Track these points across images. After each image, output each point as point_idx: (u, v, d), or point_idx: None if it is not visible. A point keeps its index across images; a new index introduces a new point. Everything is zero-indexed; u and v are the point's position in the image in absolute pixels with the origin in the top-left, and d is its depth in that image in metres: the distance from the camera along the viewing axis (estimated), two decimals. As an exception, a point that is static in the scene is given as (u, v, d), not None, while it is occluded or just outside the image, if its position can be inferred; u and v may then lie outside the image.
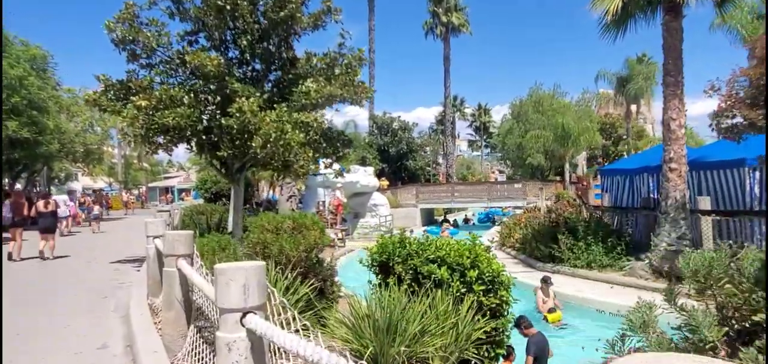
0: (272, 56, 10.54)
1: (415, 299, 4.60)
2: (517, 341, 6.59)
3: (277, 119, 8.86)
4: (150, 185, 60.02)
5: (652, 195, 14.51)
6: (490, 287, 5.02)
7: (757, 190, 11.63)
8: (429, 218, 34.33)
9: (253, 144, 8.83)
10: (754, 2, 19.22)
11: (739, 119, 10.07)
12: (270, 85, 10.88)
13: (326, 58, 10.32)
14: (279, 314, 2.43)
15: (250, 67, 10.73)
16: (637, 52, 36.69)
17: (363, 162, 33.17)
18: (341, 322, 4.59)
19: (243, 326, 2.19)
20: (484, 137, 67.50)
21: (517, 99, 40.35)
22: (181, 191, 53.40)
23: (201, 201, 23.39)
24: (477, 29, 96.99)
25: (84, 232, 21.57)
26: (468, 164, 67.13)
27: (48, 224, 12.57)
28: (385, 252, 5.38)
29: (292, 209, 21.84)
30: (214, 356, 3.12)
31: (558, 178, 35.83)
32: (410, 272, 5.08)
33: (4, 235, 12.40)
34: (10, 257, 11.73)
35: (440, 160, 50.90)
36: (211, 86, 9.59)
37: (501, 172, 60.56)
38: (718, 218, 11.66)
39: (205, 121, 9.99)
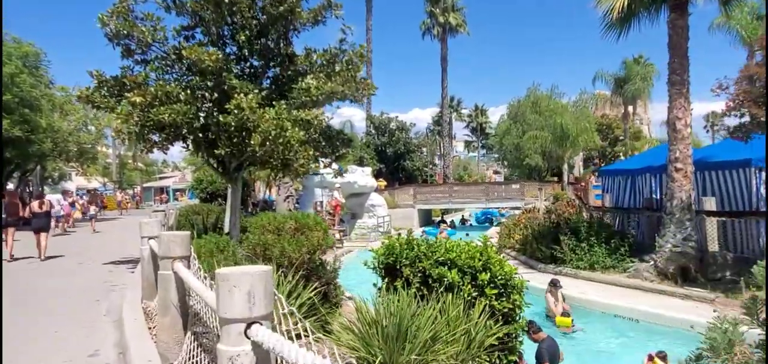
0: (271, 52, 10.27)
1: (425, 304, 4.37)
2: (526, 346, 6.37)
3: (276, 116, 8.60)
4: (145, 184, 59.52)
5: (654, 196, 14.36)
6: (503, 290, 4.80)
7: (763, 190, 11.48)
8: (426, 219, 34.11)
9: (252, 142, 8.55)
10: (755, 2, 19.21)
11: (746, 119, 9.90)
12: (268, 81, 10.62)
13: (326, 55, 10.07)
14: (288, 325, 2.19)
15: (248, 64, 10.45)
16: (634, 54, 36.66)
17: (360, 162, 32.92)
18: (347, 328, 4.35)
19: (248, 338, 1.96)
20: (481, 138, 67.39)
21: (515, 99, 40.32)
22: (176, 191, 52.91)
23: (196, 201, 23.07)
24: (474, 29, 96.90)
25: (79, 231, 21.23)
26: (465, 165, 67.03)
27: (42, 223, 12.51)
28: (392, 254, 5.14)
29: (290, 210, 21.57)
30: (213, 367, 2.88)
31: (555, 179, 35.72)
32: (419, 274, 4.85)
33: None
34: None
35: (437, 161, 50.68)
36: (209, 82, 9.31)
37: (497, 172, 60.46)
38: (723, 219, 11.52)
39: (202, 119, 9.71)
